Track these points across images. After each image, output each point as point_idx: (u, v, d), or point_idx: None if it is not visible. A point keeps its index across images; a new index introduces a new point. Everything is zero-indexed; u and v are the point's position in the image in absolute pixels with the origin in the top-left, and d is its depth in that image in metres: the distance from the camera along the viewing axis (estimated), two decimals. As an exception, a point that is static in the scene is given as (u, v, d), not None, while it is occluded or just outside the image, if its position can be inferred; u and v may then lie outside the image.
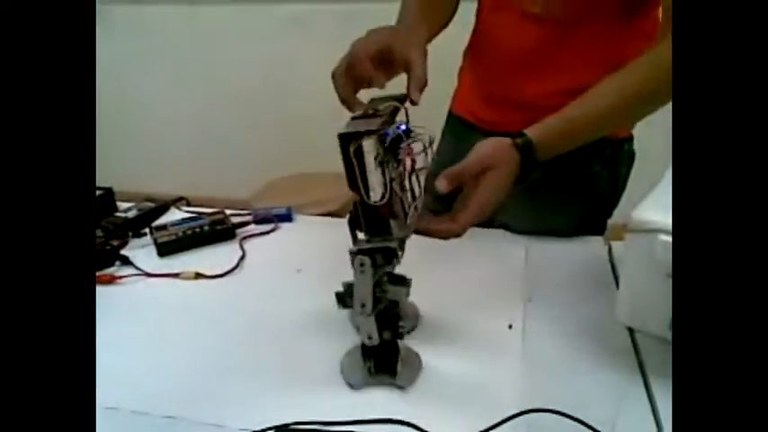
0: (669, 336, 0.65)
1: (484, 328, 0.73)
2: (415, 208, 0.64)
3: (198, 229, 0.95)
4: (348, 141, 0.55)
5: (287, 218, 1.02)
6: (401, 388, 0.64)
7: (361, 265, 0.58)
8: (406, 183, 0.63)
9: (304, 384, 0.66)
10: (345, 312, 0.66)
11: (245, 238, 0.96)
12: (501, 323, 0.74)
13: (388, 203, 0.58)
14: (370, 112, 0.61)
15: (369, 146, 0.55)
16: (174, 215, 1.03)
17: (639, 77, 0.73)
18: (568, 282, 0.82)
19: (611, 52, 0.85)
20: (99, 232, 0.96)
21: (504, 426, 0.58)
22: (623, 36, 0.85)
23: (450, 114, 1.07)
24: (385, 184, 0.57)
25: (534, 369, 0.66)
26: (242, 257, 0.91)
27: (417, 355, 0.68)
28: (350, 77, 0.69)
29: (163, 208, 1.06)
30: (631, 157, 0.97)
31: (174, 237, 0.94)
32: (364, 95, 0.70)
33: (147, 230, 0.97)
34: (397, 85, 0.70)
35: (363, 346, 0.66)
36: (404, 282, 0.65)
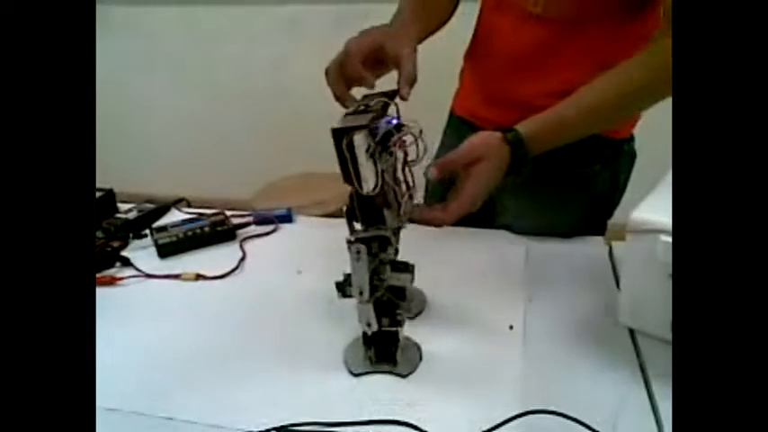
0: (670, 336, 0.65)
1: (485, 328, 0.73)
2: (410, 197, 0.67)
3: (198, 231, 0.95)
4: (340, 136, 0.57)
5: (287, 219, 1.02)
6: (402, 376, 0.66)
7: (357, 252, 0.61)
8: (399, 174, 0.66)
9: (305, 385, 0.66)
10: (347, 311, 0.67)
11: (245, 239, 0.96)
12: (502, 323, 0.73)
13: (381, 194, 0.60)
14: (362, 108, 0.63)
15: (359, 140, 0.57)
16: (175, 216, 1.03)
17: (631, 75, 0.74)
18: (569, 282, 0.82)
19: (612, 52, 0.85)
20: (99, 233, 0.96)
21: (505, 426, 0.58)
22: (624, 36, 0.85)
23: (452, 114, 1.07)
24: (377, 176, 0.59)
25: (535, 369, 0.66)
26: (242, 258, 0.91)
27: (417, 345, 0.70)
28: (342, 75, 0.72)
29: (163, 209, 1.06)
30: (632, 157, 0.97)
31: (174, 238, 0.94)
32: (356, 93, 0.71)
33: (147, 232, 0.97)
34: (390, 82, 0.72)
35: (364, 335, 0.67)
36: (407, 268, 0.66)
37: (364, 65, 0.72)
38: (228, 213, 1.00)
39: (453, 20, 0.95)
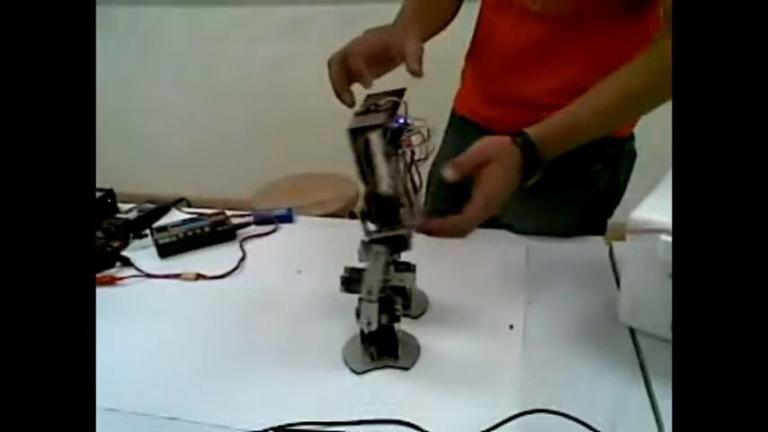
0: (670, 336, 0.65)
1: (485, 327, 0.73)
2: (419, 198, 0.67)
3: (198, 230, 0.95)
4: (357, 135, 0.58)
5: (287, 219, 1.02)
6: (405, 369, 0.66)
7: (377, 253, 0.61)
8: (409, 174, 0.66)
9: (305, 384, 0.66)
10: (347, 310, 0.67)
11: (245, 239, 0.96)
12: (502, 323, 0.73)
13: (396, 193, 0.61)
14: (372, 107, 0.63)
15: (376, 139, 0.58)
16: (175, 216, 1.03)
17: (631, 79, 0.73)
18: (569, 282, 0.82)
19: (612, 50, 0.85)
20: (100, 233, 0.96)
21: (505, 426, 0.58)
22: (624, 34, 0.85)
23: (453, 114, 1.07)
24: (391, 175, 0.59)
25: (535, 369, 0.66)
26: (242, 258, 0.91)
27: (414, 338, 0.70)
28: (343, 67, 0.73)
29: (163, 209, 1.06)
30: (632, 156, 0.97)
31: (174, 238, 0.94)
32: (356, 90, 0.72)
33: (147, 232, 0.97)
34: (391, 82, 0.72)
35: (362, 334, 0.67)
36: (409, 268, 0.67)
37: (366, 63, 0.73)
38: (229, 213, 1.00)
39: (455, 20, 0.95)
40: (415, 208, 0.66)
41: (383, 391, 0.64)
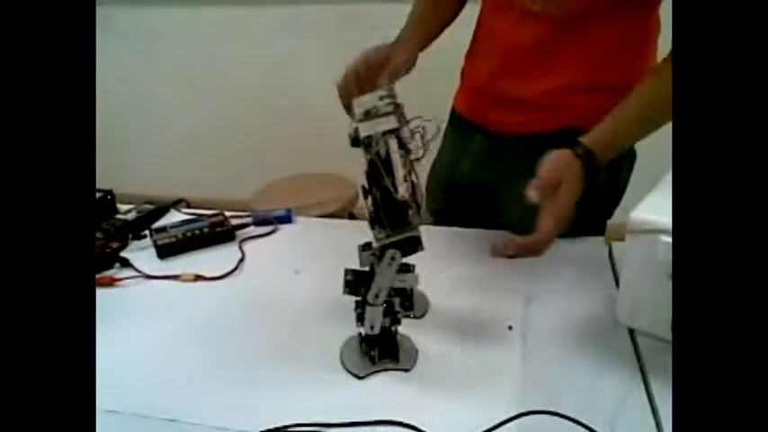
0: (670, 336, 0.65)
1: (484, 328, 0.73)
2: (421, 197, 0.67)
3: (198, 231, 0.95)
4: (373, 142, 0.57)
5: (286, 219, 1.02)
6: (406, 370, 0.66)
7: (392, 258, 0.61)
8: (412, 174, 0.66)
9: (305, 385, 0.66)
10: (345, 311, 0.67)
11: (244, 239, 0.96)
12: (501, 324, 0.73)
13: (410, 196, 0.60)
14: (373, 111, 0.63)
15: (393, 144, 0.57)
16: (174, 217, 1.03)
17: (655, 87, 0.75)
18: (568, 282, 0.82)
19: (612, 51, 0.86)
20: (99, 234, 0.96)
21: (504, 427, 0.58)
22: (624, 34, 0.85)
23: (453, 113, 1.07)
24: (406, 178, 0.59)
25: (534, 370, 0.66)
26: (241, 259, 0.91)
27: (409, 339, 0.70)
28: (347, 89, 0.83)
29: (162, 210, 1.06)
30: (632, 156, 0.97)
31: (173, 239, 0.94)
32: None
33: (146, 232, 0.97)
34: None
35: (362, 337, 0.67)
36: (409, 269, 0.67)
37: (362, 79, 0.82)
38: (228, 214, 1.00)
39: (455, 21, 0.95)
40: (421, 208, 0.66)
41: (382, 392, 0.64)
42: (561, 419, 0.58)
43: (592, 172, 0.75)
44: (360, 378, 0.66)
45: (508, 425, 0.58)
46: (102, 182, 0.92)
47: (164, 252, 0.92)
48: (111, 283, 0.86)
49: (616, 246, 0.88)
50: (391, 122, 0.58)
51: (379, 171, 0.58)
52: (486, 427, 0.58)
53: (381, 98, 0.65)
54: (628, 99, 0.77)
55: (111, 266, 0.90)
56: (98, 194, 1.03)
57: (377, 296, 0.63)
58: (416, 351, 0.69)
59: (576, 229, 0.95)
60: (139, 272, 0.88)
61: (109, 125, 2.20)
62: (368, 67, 0.85)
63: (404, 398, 0.63)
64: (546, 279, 0.82)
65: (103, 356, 0.57)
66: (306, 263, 0.88)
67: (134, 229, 0.98)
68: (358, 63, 0.85)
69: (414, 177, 0.67)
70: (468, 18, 0.97)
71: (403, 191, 0.58)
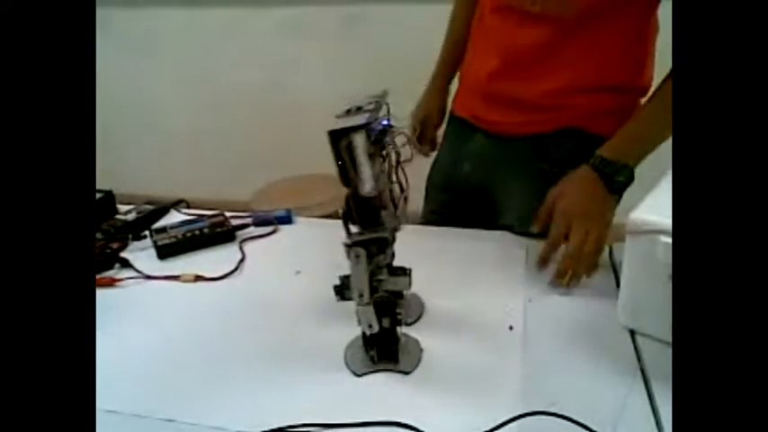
0: (670, 338, 0.65)
1: (484, 328, 0.73)
2: (405, 200, 0.67)
3: (198, 232, 0.95)
4: (339, 137, 0.57)
5: (286, 220, 1.02)
6: (405, 373, 0.66)
7: (357, 256, 0.61)
8: (393, 175, 0.66)
9: (305, 386, 0.65)
10: (345, 312, 0.67)
11: (244, 240, 0.96)
12: (502, 324, 0.73)
13: (378, 195, 0.60)
14: (354, 109, 0.63)
15: (359, 140, 0.57)
16: (174, 217, 1.03)
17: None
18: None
19: (611, 51, 0.86)
20: (99, 235, 0.96)
21: (505, 428, 0.58)
22: (623, 35, 0.85)
23: (452, 115, 1.07)
24: (375, 177, 0.59)
25: (535, 371, 0.66)
26: (242, 260, 0.91)
27: (417, 342, 0.70)
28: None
29: (163, 210, 1.06)
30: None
31: (173, 239, 0.94)
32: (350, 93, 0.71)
33: (146, 233, 0.97)
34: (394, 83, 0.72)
35: (364, 336, 0.67)
36: (404, 272, 0.67)
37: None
38: (228, 215, 1.00)
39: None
40: (399, 210, 0.66)
41: (383, 393, 0.64)
42: (562, 420, 0.58)
43: (605, 168, 0.79)
44: (357, 376, 0.66)
45: (509, 426, 0.58)
46: (102, 182, 0.92)
47: (164, 252, 0.92)
48: (111, 283, 0.86)
49: (616, 246, 0.88)
50: (360, 119, 0.58)
51: (344, 167, 0.58)
52: (487, 428, 0.58)
53: (371, 99, 0.65)
54: (652, 96, 0.82)
55: (111, 267, 0.90)
56: (98, 195, 1.03)
57: (360, 296, 0.62)
58: (421, 354, 0.69)
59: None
60: (139, 272, 0.88)
61: (109, 125, 2.20)
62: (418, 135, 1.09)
63: (405, 398, 0.63)
64: (547, 279, 0.82)
65: (104, 356, 0.57)
66: (306, 263, 0.88)
67: (134, 230, 0.98)
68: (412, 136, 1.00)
69: (401, 178, 0.67)
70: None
71: (368, 189, 0.58)
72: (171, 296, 0.83)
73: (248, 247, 0.94)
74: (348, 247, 0.61)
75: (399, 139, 0.62)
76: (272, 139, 2.45)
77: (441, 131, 1.12)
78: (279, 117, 2.41)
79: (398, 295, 0.66)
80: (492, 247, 0.90)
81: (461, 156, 1.03)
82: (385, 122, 0.61)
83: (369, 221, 0.62)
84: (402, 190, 0.67)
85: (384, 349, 0.67)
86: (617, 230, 0.86)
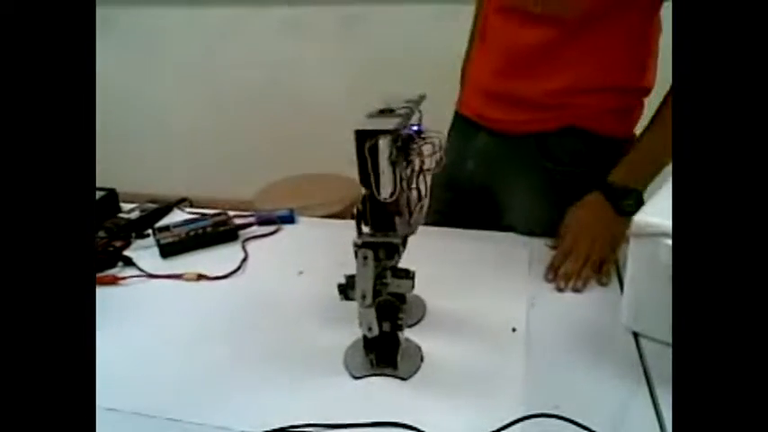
0: (673, 340, 0.64)
1: (487, 330, 0.73)
2: (421, 208, 0.66)
3: (201, 231, 0.95)
4: (364, 138, 0.56)
5: (289, 219, 1.02)
6: (402, 379, 0.65)
7: (365, 258, 0.60)
8: (414, 182, 0.65)
9: (307, 385, 0.65)
10: (348, 312, 0.66)
11: (247, 239, 0.96)
12: (505, 326, 0.73)
13: (395, 201, 0.60)
14: (386, 111, 0.63)
15: (384, 144, 0.56)
16: (177, 216, 1.03)
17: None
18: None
19: (613, 51, 0.85)
20: (102, 233, 0.96)
21: (508, 430, 0.58)
22: (625, 35, 0.85)
23: (457, 114, 1.07)
24: (395, 182, 0.58)
25: (538, 372, 0.66)
26: (244, 259, 0.90)
27: (418, 348, 0.69)
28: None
29: (166, 209, 1.06)
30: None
31: (176, 238, 0.94)
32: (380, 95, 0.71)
33: (149, 231, 0.97)
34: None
35: (365, 339, 0.66)
36: (408, 275, 0.66)
37: None
38: (231, 213, 1.00)
39: (456, 21, 0.95)
40: (414, 218, 0.65)
41: (384, 394, 0.64)
42: (565, 422, 0.58)
43: (613, 196, 0.85)
44: (355, 378, 0.66)
45: (511, 428, 0.58)
46: (105, 181, 0.92)
47: (167, 251, 0.92)
48: (113, 281, 0.86)
49: (620, 249, 0.88)
50: (389, 124, 0.58)
51: (365, 168, 0.57)
52: (489, 430, 0.58)
53: (406, 103, 0.64)
54: (654, 120, 0.84)
55: (114, 265, 0.90)
56: (101, 193, 1.04)
57: (363, 297, 0.62)
58: (421, 360, 0.68)
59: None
60: (142, 271, 0.88)
61: (112, 125, 2.21)
62: None
63: (407, 400, 0.63)
64: (549, 281, 0.82)
65: (105, 354, 0.58)
66: (309, 263, 0.88)
67: (137, 228, 0.98)
68: None
69: (421, 185, 0.66)
70: (465, 20, 0.97)
71: (386, 194, 0.58)
72: (174, 295, 0.83)
73: (251, 246, 0.94)
74: (357, 247, 0.61)
75: (426, 148, 0.61)
76: (273, 137, 2.45)
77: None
78: (280, 116, 2.41)
79: (401, 299, 0.65)
80: (495, 249, 0.90)
81: (465, 154, 1.03)
82: (415, 128, 0.60)
83: (382, 225, 0.62)
84: (420, 198, 0.66)
85: (383, 353, 0.67)
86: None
